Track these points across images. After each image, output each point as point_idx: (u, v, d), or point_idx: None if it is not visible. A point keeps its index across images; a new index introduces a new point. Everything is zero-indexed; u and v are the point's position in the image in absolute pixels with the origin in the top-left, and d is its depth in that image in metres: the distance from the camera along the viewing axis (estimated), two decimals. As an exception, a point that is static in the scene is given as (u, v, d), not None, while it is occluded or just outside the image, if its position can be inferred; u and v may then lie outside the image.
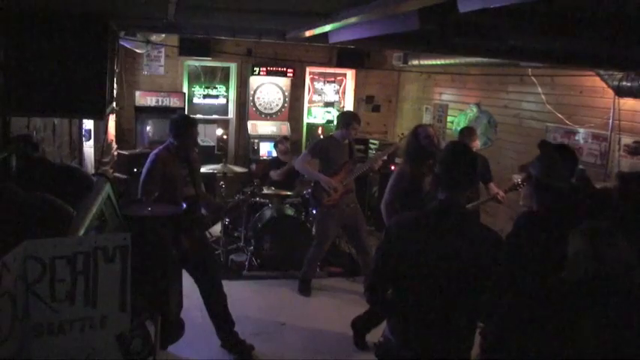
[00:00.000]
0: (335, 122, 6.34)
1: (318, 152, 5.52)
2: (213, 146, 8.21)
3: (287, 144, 7.26)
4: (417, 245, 2.41)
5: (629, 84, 4.57)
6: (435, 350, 2.46)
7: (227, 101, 8.85)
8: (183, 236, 3.95)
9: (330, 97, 9.39)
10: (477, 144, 5.74)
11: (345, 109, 8.96)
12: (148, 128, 7.71)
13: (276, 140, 7.41)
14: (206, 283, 4.30)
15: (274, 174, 6.93)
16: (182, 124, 4.21)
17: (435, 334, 2.45)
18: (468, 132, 5.65)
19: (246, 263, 6.21)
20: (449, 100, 7.82)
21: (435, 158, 4.53)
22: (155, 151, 4.22)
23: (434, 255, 2.39)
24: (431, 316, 2.43)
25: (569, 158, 3.37)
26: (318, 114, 9.35)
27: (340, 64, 8.82)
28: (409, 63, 7.39)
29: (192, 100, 8.60)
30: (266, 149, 8.37)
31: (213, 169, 6.52)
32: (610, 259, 2.01)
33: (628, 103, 4.87)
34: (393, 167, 6.64)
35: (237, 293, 5.63)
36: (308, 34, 3.97)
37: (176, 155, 4.19)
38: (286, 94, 8.90)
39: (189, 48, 7.91)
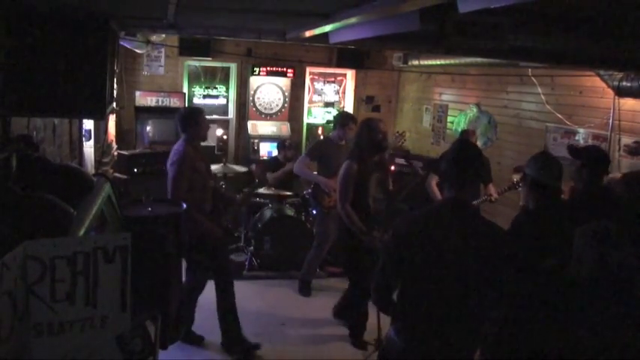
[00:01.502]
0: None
1: (316, 155, 5.53)
2: (213, 146, 8.21)
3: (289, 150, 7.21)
4: (424, 244, 2.40)
5: (629, 84, 4.57)
6: (440, 351, 2.45)
7: (227, 101, 8.85)
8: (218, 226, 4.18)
9: (330, 97, 9.39)
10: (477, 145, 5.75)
11: (345, 110, 8.96)
12: (148, 128, 7.71)
13: (281, 143, 7.35)
14: (224, 278, 4.42)
15: (271, 177, 6.92)
16: (190, 114, 4.35)
17: (442, 334, 2.44)
18: (467, 133, 5.67)
19: (246, 263, 6.21)
20: (449, 100, 7.82)
21: (383, 155, 4.44)
22: (178, 148, 4.22)
23: (442, 253, 2.38)
24: (438, 316, 2.43)
25: (601, 160, 3.33)
26: (318, 114, 9.35)
27: (340, 65, 8.82)
28: (409, 63, 7.39)
29: (192, 100, 8.60)
30: (266, 149, 8.37)
31: (214, 170, 6.51)
32: (616, 262, 2.01)
33: (628, 103, 4.87)
34: (392, 167, 6.65)
35: (238, 293, 5.60)
36: (308, 34, 3.97)
37: (196, 148, 4.26)
38: (286, 94, 8.90)
39: (189, 48, 7.91)
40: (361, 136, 4.43)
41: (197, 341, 4.59)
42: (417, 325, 2.48)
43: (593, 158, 3.35)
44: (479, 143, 6.34)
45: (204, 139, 4.44)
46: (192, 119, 4.28)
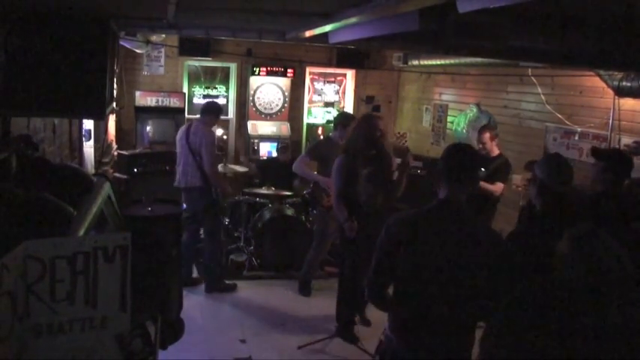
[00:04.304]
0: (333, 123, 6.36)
1: (316, 154, 5.54)
2: (213, 146, 8.21)
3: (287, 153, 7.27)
4: (416, 243, 2.42)
5: (629, 84, 4.57)
6: (435, 349, 2.46)
7: (227, 101, 8.85)
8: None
9: (330, 97, 9.39)
10: (490, 143, 5.52)
11: (345, 110, 8.96)
12: (148, 128, 7.70)
13: (280, 147, 7.39)
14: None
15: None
16: (219, 109, 5.79)
17: (436, 332, 2.45)
18: (484, 129, 5.57)
19: (246, 263, 6.21)
20: (449, 100, 7.82)
21: (380, 147, 4.51)
22: (206, 130, 5.56)
23: (434, 253, 2.39)
24: (431, 315, 2.44)
25: (623, 162, 3.42)
26: (318, 114, 9.35)
27: (340, 65, 8.82)
28: (409, 63, 7.39)
29: (192, 100, 8.60)
30: (266, 149, 8.37)
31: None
32: (595, 259, 2.01)
33: (628, 103, 4.87)
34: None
35: (237, 293, 5.64)
36: (308, 34, 3.97)
37: None
38: (286, 94, 8.89)
39: (189, 48, 7.91)
40: (358, 130, 4.56)
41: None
42: (411, 323, 2.50)
43: (616, 160, 3.44)
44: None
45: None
46: (219, 111, 5.77)
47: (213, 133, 5.69)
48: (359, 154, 4.47)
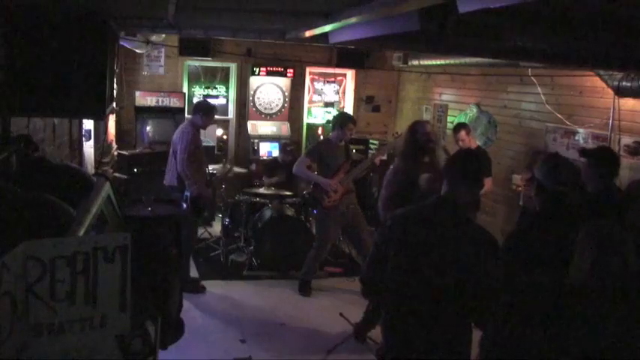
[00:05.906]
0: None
1: (316, 155, 5.55)
2: (213, 146, 8.21)
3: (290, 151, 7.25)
4: (412, 239, 2.44)
5: (629, 84, 4.57)
6: (430, 347, 2.46)
7: (227, 101, 8.85)
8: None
9: (330, 97, 9.39)
10: (467, 138, 5.76)
11: (345, 110, 8.97)
12: (148, 128, 7.71)
13: (283, 146, 7.39)
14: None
15: (267, 181, 6.97)
16: (207, 106, 5.69)
17: (430, 330, 2.46)
18: (457, 128, 5.89)
19: (246, 263, 6.21)
20: (449, 101, 7.82)
21: (432, 155, 4.52)
22: (184, 129, 5.48)
23: (426, 249, 2.41)
24: (424, 311, 2.45)
25: (612, 158, 3.45)
26: (318, 114, 9.35)
27: (340, 65, 8.82)
28: (409, 63, 7.39)
29: (192, 100, 8.59)
30: (266, 149, 8.37)
31: (214, 169, 6.54)
32: (617, 261, 2.00)
33: (628, 103, 4.87)
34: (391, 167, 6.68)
35: (237, 293, 5.64)
36: (308, 34, 3.97)
37: (197, 131, 5.58)
38: (286, 94, 8.89)
39: (189, 48, 7.91)
40: (407, 138, 4.58)
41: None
42: (400, 319, 2.51)
43: (600, 158, 3.46)
44: (479, 142, 6.33)
45: (204, 128, 5.78)
46: (207, 110, 5.57)
47: (191, 133, 5.44)
48: (411, 161, 4.43)
